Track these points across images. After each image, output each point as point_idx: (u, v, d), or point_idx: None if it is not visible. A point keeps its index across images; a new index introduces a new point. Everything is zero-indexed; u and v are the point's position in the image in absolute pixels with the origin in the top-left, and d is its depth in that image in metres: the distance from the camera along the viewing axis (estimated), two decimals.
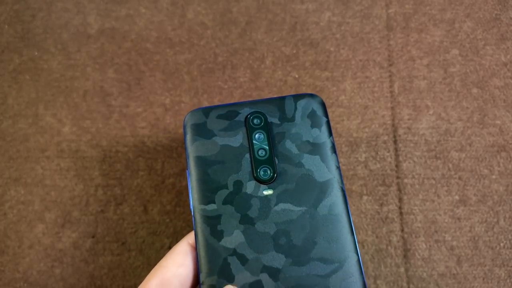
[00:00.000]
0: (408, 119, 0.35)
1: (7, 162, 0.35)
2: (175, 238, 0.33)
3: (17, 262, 0.33)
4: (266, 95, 0.36)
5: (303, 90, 0.36)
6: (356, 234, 0.33)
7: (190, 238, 0.24)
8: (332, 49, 0.37)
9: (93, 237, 0.34)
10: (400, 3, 0.38)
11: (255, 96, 0.36)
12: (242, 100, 0.36)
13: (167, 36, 0.38)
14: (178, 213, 0.34)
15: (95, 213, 0.34)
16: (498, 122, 0.35)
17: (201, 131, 0.25)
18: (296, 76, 0.37)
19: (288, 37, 0.37)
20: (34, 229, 0.34)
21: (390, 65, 0.37)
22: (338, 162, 0.24)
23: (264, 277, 0.22)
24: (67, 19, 0.38)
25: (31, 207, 0.34)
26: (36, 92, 0.36)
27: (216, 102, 0.36)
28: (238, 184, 0.24)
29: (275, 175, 0.24)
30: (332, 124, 0.35)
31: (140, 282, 0.33)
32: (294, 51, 0.37)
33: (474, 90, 0.36)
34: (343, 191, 0.23)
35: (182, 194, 0.34)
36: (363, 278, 0.22)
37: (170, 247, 0.33)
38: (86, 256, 0.33)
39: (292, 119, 0.25)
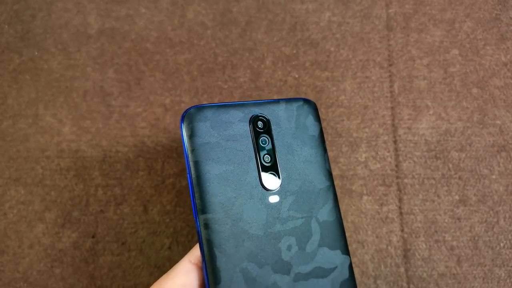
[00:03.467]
0: (408, 119, 0.35)
1: (7, 162, 0.35)
2: (175, 238, 0.33)
3: (17, 262, 0.33)
4: (266, 95, 0.36)
5: (303, 90, 0.36)
6: (356, 234, 0.33)
7: (191, 256, 0.22)
8: (332, 49, 0.37)
9: (93, 237, 0.34)
10: (400, 3, 0.38)
11: (255, 96, 0.36)
12: (242, 100, 0.36)
13: (167, 36, 0.38)
14: (178, 213, 0.34)
15: (95, 213, 0.34)
16: (498, 122, 0.35)
17: (204, 132, 0.23)
18: (296, 76, 0.37)
19: (288, 37, 0.37)
20: (34, 229, 0.34)
21: (390, 65, 0.37)
22: (330, 166, 0.25)
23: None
24: (67, 19, 0.38)
25: (31, 207, 0.34)
26: (36, 92, 0.36)
27: (216, 102, 0.36)
28: (245, 192, 0.22)
29: (281, 182, 0.23)
30: (332, 124, 0.35)
31: (140, 282, 0.33)
32: (294, 51, 0.37)
33: (474, 90, 0.36)
34: (335, 195, 0.24)
35: (182, 194, 0.34)
36: (354, 280, 0.23)
37: (170, 247, 0.33)
38: (86, 256, 0.33)
39: (293, 124, 0.24)
